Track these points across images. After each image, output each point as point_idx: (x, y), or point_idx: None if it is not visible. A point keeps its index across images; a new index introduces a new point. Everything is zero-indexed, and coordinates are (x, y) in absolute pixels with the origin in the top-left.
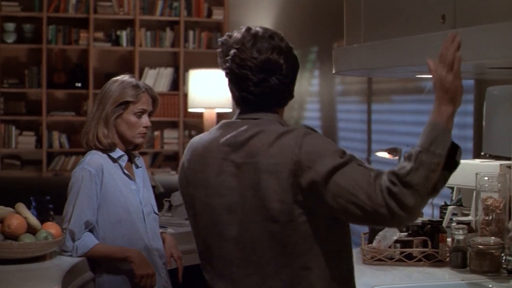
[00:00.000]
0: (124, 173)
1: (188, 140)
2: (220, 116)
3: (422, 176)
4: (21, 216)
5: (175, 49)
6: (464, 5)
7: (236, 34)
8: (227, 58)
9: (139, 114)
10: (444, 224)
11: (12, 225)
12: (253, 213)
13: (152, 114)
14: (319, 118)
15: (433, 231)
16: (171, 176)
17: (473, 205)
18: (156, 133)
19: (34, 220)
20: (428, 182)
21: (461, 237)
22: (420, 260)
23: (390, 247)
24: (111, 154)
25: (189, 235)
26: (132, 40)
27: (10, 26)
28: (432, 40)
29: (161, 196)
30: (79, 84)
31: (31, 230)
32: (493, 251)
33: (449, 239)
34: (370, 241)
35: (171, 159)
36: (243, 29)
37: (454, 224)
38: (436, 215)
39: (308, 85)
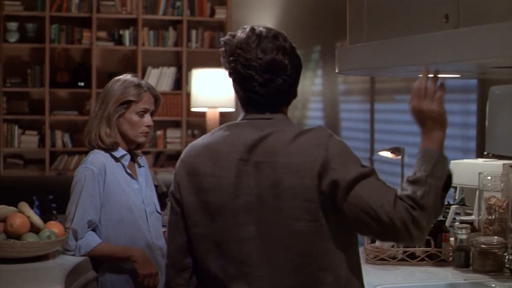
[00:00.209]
0: (127, 173)
1: (191, 139)
2: (223, 115)
3: (433, 199)
4: (24, 215)
5: (178, 48)
6: (467, 4)
7: (240, 34)
8: (232, 58)
9: (141, 113)
10: (447, 223)
11: (15, 224)
12: (272, 212)
13: (155, 113)
14: (322, 118)
15: (436, 231)
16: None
17: (476, 205)
18: (159, 132)
19: (37, 219)
20: (437, 204)
21: (464, 237)
22: (423, 259)
23: (393, 246)
24: (113, 153)
25: None
26: (135, 40)
27: (13, 25)
28: (435, 40)
29: (164, 195)
30: (82, 84)
31: (34, 229)
32: (496, 250)
33: (452, 239)
34: (373, 240)
35: (174, 159)
36: (247, 29)
37: (457, 223)
38: None
39: (311, 85)
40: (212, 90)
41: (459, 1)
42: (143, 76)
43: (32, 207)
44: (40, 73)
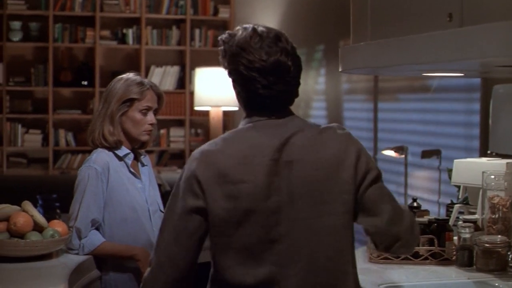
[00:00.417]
0: (130, 172)
1: (194, 138)
2: (226, 114)
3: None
4: (28, 214)
5: (181, 47)
6: (471, 3)
7: (241, 34)
8: (233, 58)
9: (144, 111)
10: (451, 222)
11: (18, 223)
12: (305, 210)
13: (158, 112)
14: (325, 117)
15: (440, 230)
16: (177, 175)
17: (480, 204)
18: (162, 131)
19: (40, 218)
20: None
21: (467, 236)
22: (426, 258)
23: None
24: (117, 152)
25: None
26: (138, 38)
27: (16, 24)
28: (438, 39)
29: (167, 194)
30: (85, 82)
31: (38, 228)
32: (500, 249)
33: (455, 238)
34: None
35: (177, 157)
36: (249, 29)
37: (460, 222)
38: (443, 214)
39: (314, 84)
40: (216, 89)
41: (462, 0)
42: (146, 75)
43: (35, 206)
44: (43, 72)
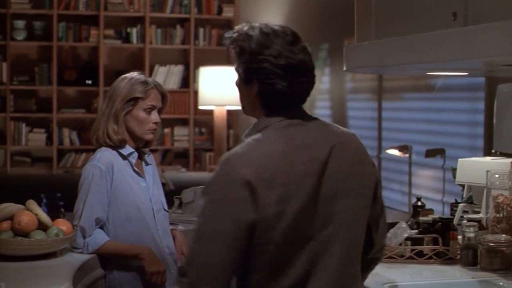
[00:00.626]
0: (134, 170)
1: (198, 137)
2: (230, 113)
3: None
4: (32, 213)
5: (185, 46)
6: (475, 2)
7: (258, 33)
8: (255, 56)
9: (149, 110)
10: (455, 221)
11: (22, 221)
12: (347, 204)
13: (162, 111)
14: (329, 116)
15: (444, 229)
16: (181, 174)
17: (484, 203)
18: (166, 130)
19: (45, 217)
20: None
21: (471, 235)
22: (430, 257)
23: (400, 244)
24: (121, 151)
25: None
26: (142, 37)
27: (20, 23)
28: (443, 38)
29: (171, 193)
30: (89, 81)
31: (42, 227)
32: (504, 248)
33: (459, 237)
34: None
35: (181, 157)
36: (265, 27)
37: (464, 221)
38: (447, 213)
39: (318, 83)
40: (220, 88)
41: None
42: (150, 74)
43: (39, 205)
44: (47, 71)
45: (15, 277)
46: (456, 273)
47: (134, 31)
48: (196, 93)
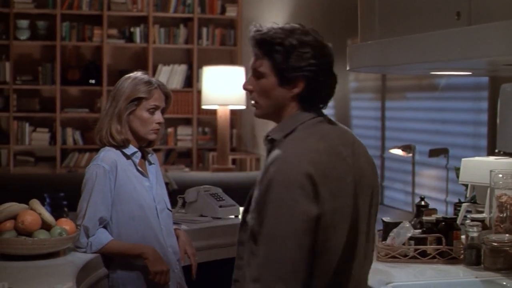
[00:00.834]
0: (138, 170)
1: (201, 136)
2: (233, 113)
3: None
4: (35, 212)
5: (188, 46)
6: (479, 1)
7: (307, 35)
8: (317, 59)
9: (152, 110)
10: (458, 221)
11: (26, 221)
12: (364, 204)
13: (166, 111)
14: (332, 115)
15: (447, 228)
16: (184, 173)
17: (487, 202)
18: (170, 130)
19: (48, 216)
20: None
21: (475, 234)
22: (434, 257)
23: (404, 244)
24: (124, 150)
25: (203, 231)
26: (145, 37)
27: (24, 23)
28: (446, 37)
29: (175, 193)
30: (93, 81)
31: (46, 226)
32: (507, 248)
33: (463, 236)
34: (384, 238)
35: (185, 156)
36: (308, 28)
37: (468, 221)
38: (450, 212)
39: None
40: (223, 87)
41: None
42: (154, 74)
43: (43, 204)
44: (51, 71)
45: (19, 276)
46: (459, 273)
47: (137, 31)
48: (199, 92)
